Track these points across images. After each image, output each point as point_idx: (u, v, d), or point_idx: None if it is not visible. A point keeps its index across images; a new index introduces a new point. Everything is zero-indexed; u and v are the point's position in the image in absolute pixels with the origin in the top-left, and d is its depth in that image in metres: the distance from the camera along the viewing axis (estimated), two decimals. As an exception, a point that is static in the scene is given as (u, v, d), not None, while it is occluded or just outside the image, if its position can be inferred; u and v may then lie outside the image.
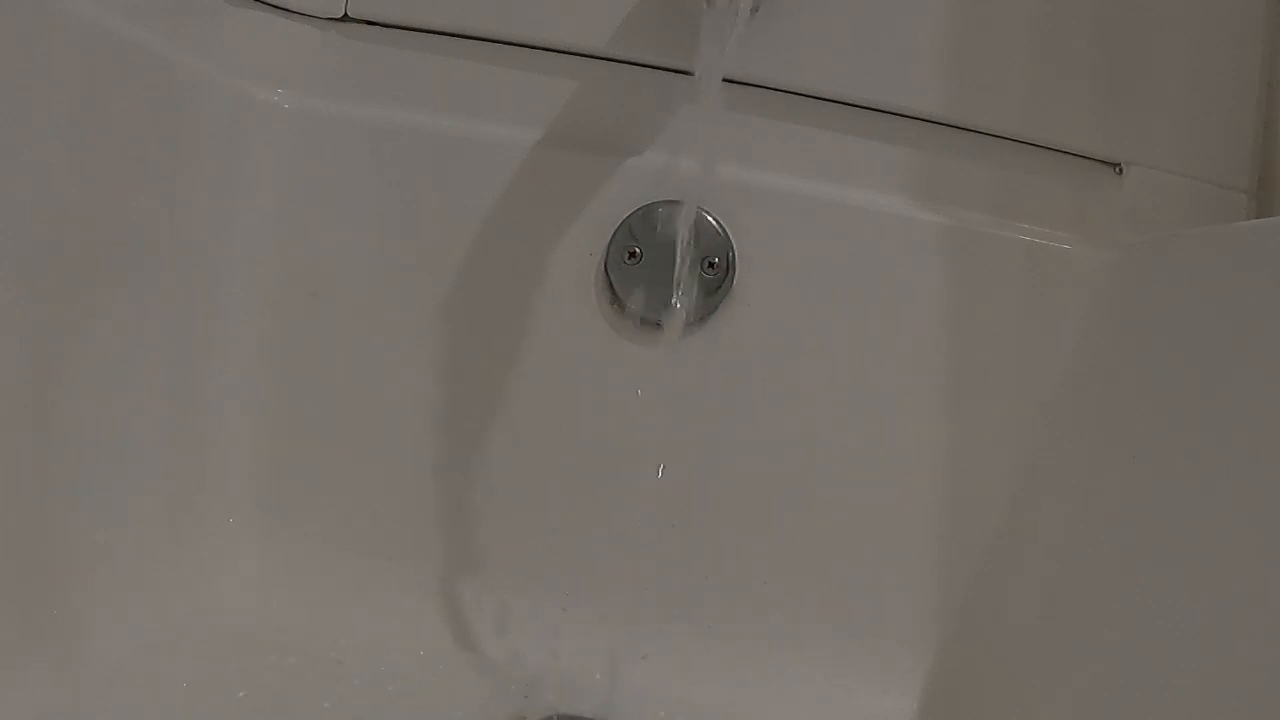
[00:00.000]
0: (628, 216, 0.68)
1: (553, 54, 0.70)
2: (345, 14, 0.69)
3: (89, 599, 0.55)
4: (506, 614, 0.68)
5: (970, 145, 0.71)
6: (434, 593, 0.68)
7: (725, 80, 0.61)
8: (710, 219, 0.68)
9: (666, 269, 0.66)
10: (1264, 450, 0.48)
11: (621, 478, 0.67)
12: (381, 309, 0.69)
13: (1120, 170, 0.71)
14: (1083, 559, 0.61)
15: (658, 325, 0.68)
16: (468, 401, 0.69)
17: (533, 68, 0.70)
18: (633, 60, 0.69)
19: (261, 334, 0.68)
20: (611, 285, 0.68)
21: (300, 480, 0.69)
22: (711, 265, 0.68)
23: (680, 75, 0.69)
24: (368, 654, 0.63)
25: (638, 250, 0.68)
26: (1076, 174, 0.71)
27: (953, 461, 0.69)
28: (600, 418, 0.69)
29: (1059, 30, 0.71)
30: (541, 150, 0.69)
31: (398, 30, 0.70)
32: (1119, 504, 0.59)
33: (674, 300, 0.61)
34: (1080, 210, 0.71)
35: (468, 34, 0.70)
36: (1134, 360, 0.63)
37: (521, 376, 0.69)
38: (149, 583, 0.61)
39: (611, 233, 0.68)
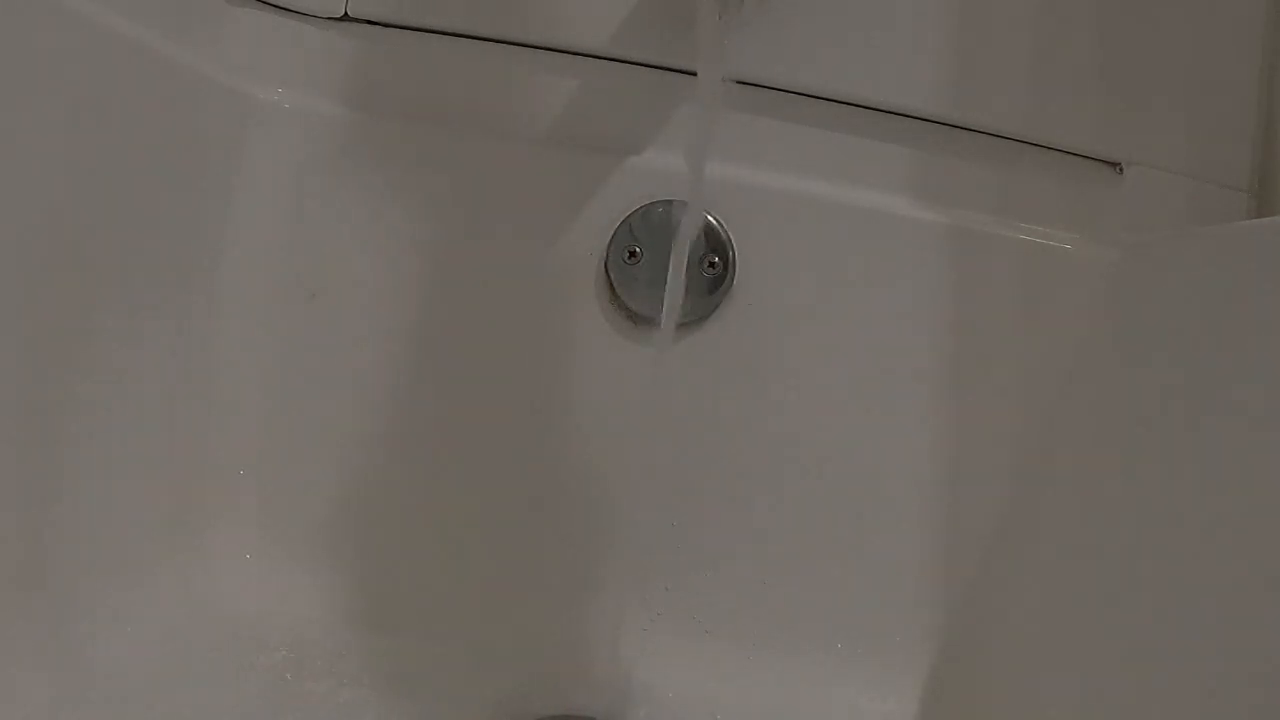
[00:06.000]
0: (628, 216, 0.68)
1: (553, 54, 0.70)
2: (345, 14, 0.69)
3: (89, 599, 0.55)
4: (506, 612, 0.68)
5: (970, 145, 0.71)
6: (433, 591, 0.68)
7: (725, 80, 0.61)
8: (710, 219, 0.68)
9: (667, 269, 0.66)
10: (1263, 449, 0.48)
11: (621, 477, 0.67)
12: (381, 309, 0.69)
13: (1120, 170, 0.71)
14: (1082, 559, 0.61)
15: (657, 325, 0.68)
16: (467, 400, 0.69)
17: (533, 67, 0.70)
18: (633, 60, 0.69)
19: (261, 334, 0.68)
20: (611, 285, 0.68)
21: (300, 479, 0.68)
22: (711, 265, 0.68)
23: (680, 75, 0.69)
24: (367, 652, 0.63)
25: (638, 250, 0.68)
26: (1076, 174, 0.71)
27: (952, 461, 0.69)
28: (600, 417, 0.69)
29: (1059, 30, 0.71)
30: (541, 150, 0.69)
31: (398, 30, 0.69)
32: (1118, 504, 0.59)
33: (664, 304, 0.61)
34: (1080, 210, 0.71)
35: (468, 34, 0.70)
36: (1134, 360, 0.63)
37: (521, 375, 0.69)
38: (149, 582, 0.61)
39: (611, 233, 0.68)
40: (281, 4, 0.68)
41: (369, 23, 0.70)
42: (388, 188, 0.68)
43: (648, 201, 0.68)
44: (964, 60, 0.70)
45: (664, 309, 0.61)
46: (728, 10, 0.60)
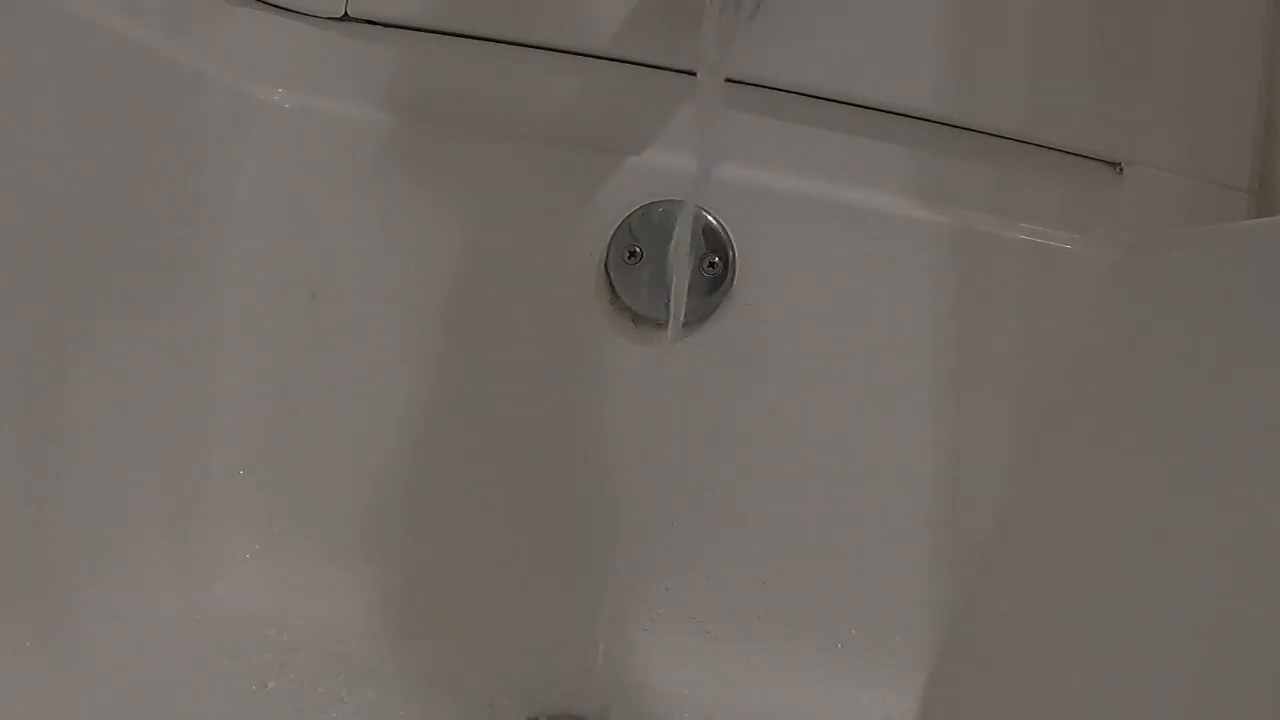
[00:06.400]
0: (628, 216, 0.68)
1: (553, 54, 0.70)
2: (345, 14, 0.69)
3: (89, 598, 0.55)
4: (506, 613, 0.68)
5: (970, 145, 0.71)
6: (433, 591, 0.68)
7: (726, 80, 0.61)
8: (710, 219, 0.68)
9: (666, 269, 0.66)
10: (1263, 450, 0.48)
11: (621, 476, 0.67)
12: (381, 309, 0.69)
13: (1120, 170, 0.71)
14: (1082, 560, 0.61)
15: (658, 325, 0.68)
16: (468, 401, 0.69)
17: (533, 67, 0.70)
18: (633, 60, 0.69)
19: (261, 334, 0.68)
20: (611, 285, 0.68)
21: (299, 479, 0.68)
22: (711, 265, 0.68)
23: (680, 75, 0.69)
24: (367, 652, 0.63)
25: (638, 250, 0.68)
26: (1076, 174, 0.71)
27: (952, 461, 0.69)
28: (600, 417, 0.69)
29: (1059, 30, 0.71)
30: (541, 150, 0.69)
31: (398, 30, 0.69)
32: (1118, 503, 0.59)
33: (669, 304, 0.61)
34: (1080, 210, 0.71)
35: (468, 34, 0.70)
36: (1134, 360, 0.63)
37: (522, 376, 0.69)
38: (148, 581, 0.61)
39: (611, 233, 0.68)
40: (281, 4, 0.68)
41: (369, 22, 0.70)
42: (388, 187, 0.68)
43: (648, 201, 0.68)
44: (964, 60, 0.70)
45: (671, 303, 0.61)
46: (728, 10, 0.60)
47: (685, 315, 0.67)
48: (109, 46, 0.53)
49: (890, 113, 0.70)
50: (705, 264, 0.68)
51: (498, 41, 0.70)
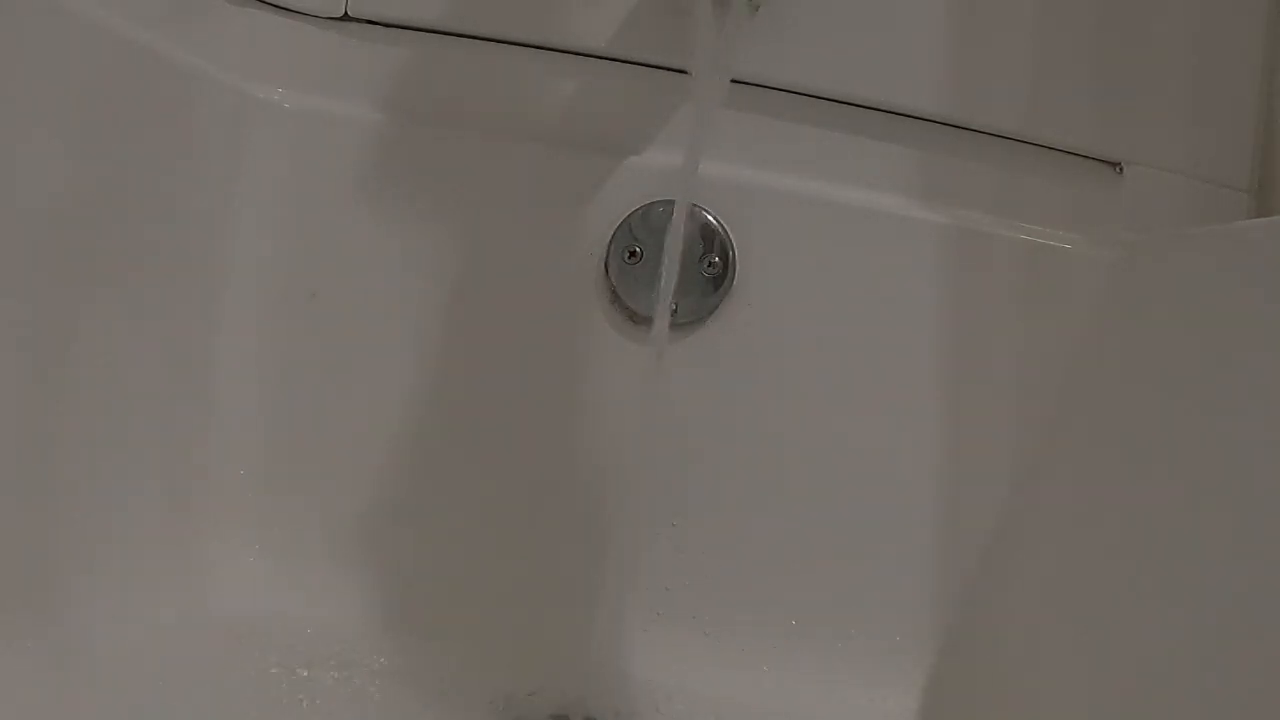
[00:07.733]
0: (628, 216, 0.68)
1: (553, 54, 0.70)
2: (345, 14, 0.69)
3: (88, 596, 0.55)
4: (507, 613, 0.68)
5: (970, 145, 0.71)
6: (434, 592, 0.68)
7: (722, 79, 0.61)
8: (711, 218, 0.68)
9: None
10: (1264, 449, 0.48)
11: (621, 476, 0.67)
12: (381, 309, 0.69)
13: (1120, 170, 0.71)
14: (1082, 559, 0.61)
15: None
16: (468, 401, 0.69)
17: (533, 67, 0.70)
18: (633, 60, 0.69)
19: (261, 334, 0.68)
20: (612, 285, 0.68)
21: (299, 479, 0.69)
22: (711, 265, 0.68)
23: (680, 75, 0.69)
24: (366, 652, 0.63)
25: (638, 250, 0.68)
26: (1076, 174, 0.71)
27: (952, 461, 0.69)
28: (600, 417, 0.69)
29: (1059, 30, 0.71)
30: (541, 150, 0.69)
31: (398, 30, 0.69)
32: (1118, 503, 0.59)
33: (661, 301, 0.61)
34: (1080, 210, 0.71)
35: (468, 34, 0.70)
36: (1134, 360, 0.63)
37: (522, 376, 0.69)
38: (148, 580, 0.61)
39: (612, 233, 0.68)
40: (281, 4, 0.68)
41: (369, 22, 0.70)
42: (387, 187, 0.68)
43: (648, 201, 0.68)
44: (964, 60, 0.70)
45: (656, 305, 0.60)
46: (724, 10, 0.60)
47: (685, 315, 0.68)
48: (109, 46, 0.53)
49: (890, 113, 0.70)
50: (705, 264, 0.68)
51: (498, 41, 0.70)
